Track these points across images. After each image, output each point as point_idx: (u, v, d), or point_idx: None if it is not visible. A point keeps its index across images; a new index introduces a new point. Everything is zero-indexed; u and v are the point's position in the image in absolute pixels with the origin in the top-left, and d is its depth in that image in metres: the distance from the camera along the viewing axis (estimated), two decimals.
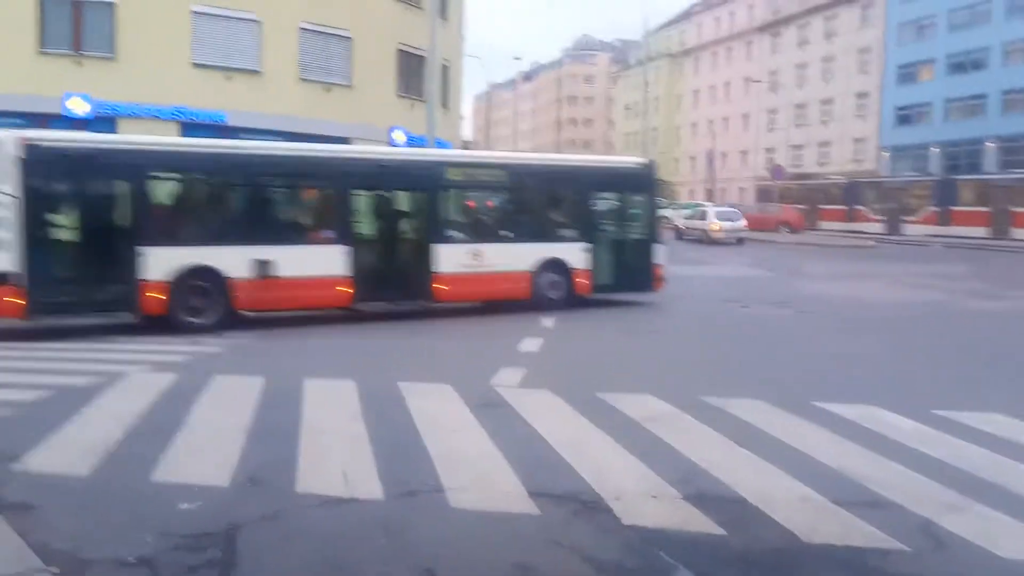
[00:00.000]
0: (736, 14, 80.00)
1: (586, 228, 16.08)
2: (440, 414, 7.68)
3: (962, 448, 6.75)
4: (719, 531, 5.07)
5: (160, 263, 12.60)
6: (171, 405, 7.88)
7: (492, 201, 16.54)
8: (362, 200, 14.77)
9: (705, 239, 38.25)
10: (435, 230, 14.76)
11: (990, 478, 6.01)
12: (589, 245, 15.92)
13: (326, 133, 27.39)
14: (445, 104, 34.07)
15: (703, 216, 40.21)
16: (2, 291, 11.73)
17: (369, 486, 5.70)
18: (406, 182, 14.98)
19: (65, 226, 12.62)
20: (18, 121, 20.15)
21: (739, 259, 30.11)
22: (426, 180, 14.83)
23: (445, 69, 33.48)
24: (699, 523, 5.18)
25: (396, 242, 15.03)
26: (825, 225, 48.43)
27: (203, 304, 12.95)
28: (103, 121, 24.05)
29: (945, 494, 5.66)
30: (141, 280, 12.51)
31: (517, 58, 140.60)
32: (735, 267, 26.76)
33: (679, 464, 6.27)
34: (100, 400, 8.10)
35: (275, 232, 13.81)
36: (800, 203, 50.39)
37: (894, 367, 10.84)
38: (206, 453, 6.41)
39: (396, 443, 6.73)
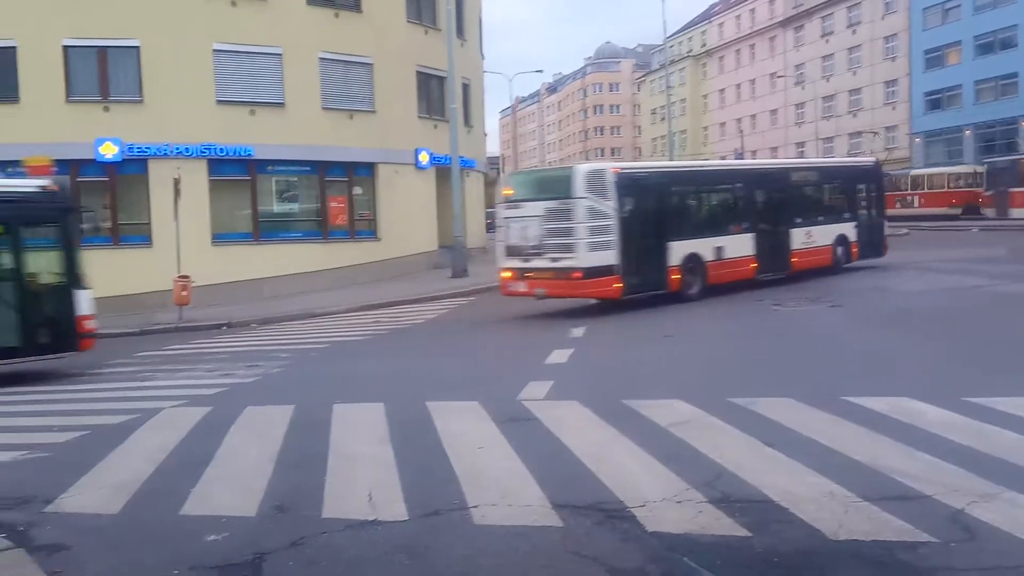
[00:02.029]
0: (757, 11, 79.52)
1: (853, 212, 22.07)
2: (467, 432, 7.71)
3: (993, 435, 6.61)
4: (744, 533, 5.02)
5: (675, 252, 17.30)
6: (202, 438, 8.01)
7: (811, 195, 22.18)
8: (758, 199, 19.95)
9: None
10: (790, 219, 20.08)
11: (1022, 463, 5.89)
12: (856, 224, 21.79)
13: (351, 159, 27.76)
14: (468, 122, 34.24)
15: None
16: (611, 279, 16.16)
17: (394, 508, 5.73)
18: (779, 186, 20.66)
19: (638, 228, 16.88)
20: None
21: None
22: (783, 183, 20.95)
23: (465, 87, 33.65)
24: (724, 526, 5.13)
25: (776, 230, 19.72)
26: None
27: (692, 280, 17.55)
28: (133, 162, 24.54)
29: (975, 483, 5.55)
30: (669, 265, 17.15)
31: (539, 70, 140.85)
32: None
33: (704, 467, 6.22)
34: (133, 437, 8.25)
35: (722, 227, 18.85)
36: None
37: (925, 357, 10.66)
38: (234, 484, 6.50)
39: (422, 463, 6.77)
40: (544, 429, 7.67)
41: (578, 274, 15.79)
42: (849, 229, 21.58)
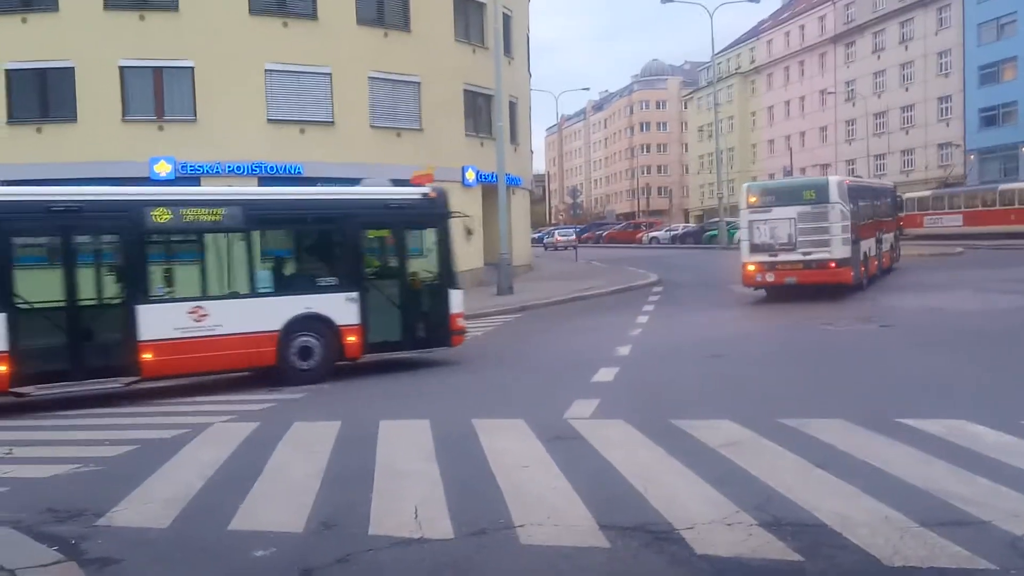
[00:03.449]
0: (807, 27, 78.84)
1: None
2: (513, 450, 7.67)
3: None
4: (796, 557, 4.91)
5: (861, 249, 21.72)
6: (251, 453, 8.08)
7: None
8: None
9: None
10: None
11: None
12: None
13: (399, 177, 27.88)
14: (514, 140, 34.35)
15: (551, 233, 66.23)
16: (848, 269, 20.16)
17: (440, 526, 5.71)
18: None
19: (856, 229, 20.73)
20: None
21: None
22: None
23: (512, 106, 33.80)
24: (775, 550, 5.03)
25: None
26: None
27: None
28: (187, 180, 25.00)
29: None
30: (860, 259, 21.32)
31: (586, 88, 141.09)
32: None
33: (755, 490, 6.12)
34: (183, 452, 8.35)
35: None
36: None
37: (983, 379, 10.40)
38: (282, 500, 6.53)
39: (468, 481, 6.75)
40: (590, 448, 7.61)
41: (833, 264, 20.00)
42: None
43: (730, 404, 9.33)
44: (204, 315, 12.21)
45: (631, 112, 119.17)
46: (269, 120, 26.41)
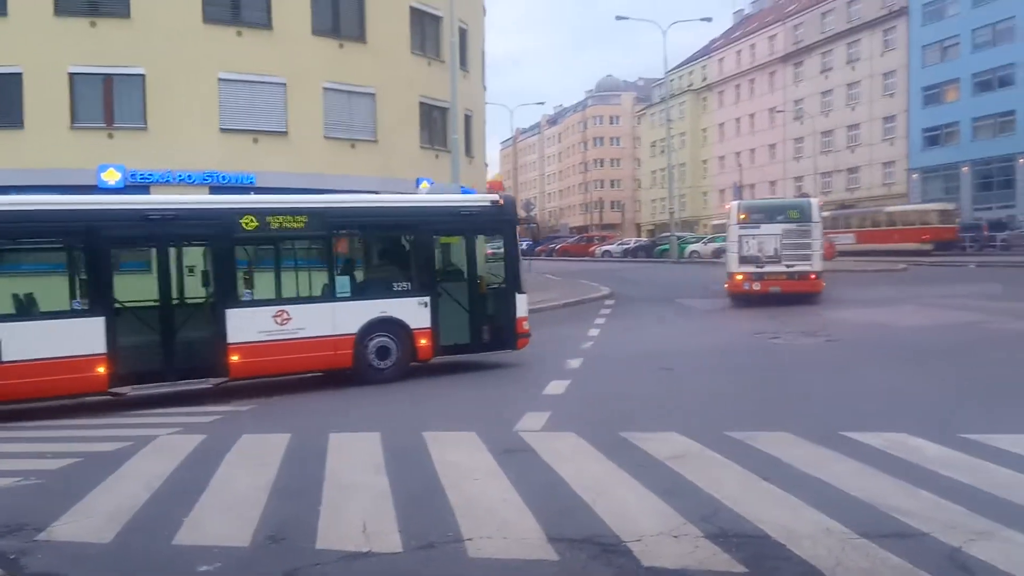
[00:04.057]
0: (757, 47, 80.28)
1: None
2: (463, 463, 7.67)
3: (991, 472, 6.61)
4: (740, 569, 4.99)
5: None
6: (197, 466, 7.96)
7: None
8: None
9: None
10: None
11: (1019, 501, 5.89)
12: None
13: (353, 188, 27.80)
14: (469, 153, 34.40)
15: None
16: (821, 280, 23.13)
17: (388, 539, 5.69)
18: None
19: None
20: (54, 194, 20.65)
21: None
22: None
23: (468, 118, 33.85)
24: (720, 562, 5.10)
25: None
26: None
27: None
28: (136, 189, 24.61)
29: (973, 520, 5.53)
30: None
31: (540, 102, 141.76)
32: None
33: (702, 502, 6.19)
34: (128, 465, 8.20)
35: None
36: None
37: (924, 393, 10.65)
38: (228, 513, 6.45)
39: (418, 494, 6.73)
40: (541, 461, 7.63)
41: (813, 276, 22.89)
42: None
43: (679, 417, 9.43)
44: (287, 318, 12.70)
45: (585, 127, 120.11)
46: (222, 129, 26.13)
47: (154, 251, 12.44)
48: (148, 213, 12.32)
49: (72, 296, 11.93)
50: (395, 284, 13.78)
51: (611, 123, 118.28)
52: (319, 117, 27.83)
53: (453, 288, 14.11)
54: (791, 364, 13.63)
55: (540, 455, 7.84)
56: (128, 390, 12.02)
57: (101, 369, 11.55)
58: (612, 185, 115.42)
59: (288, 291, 13.02)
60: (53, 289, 12.15)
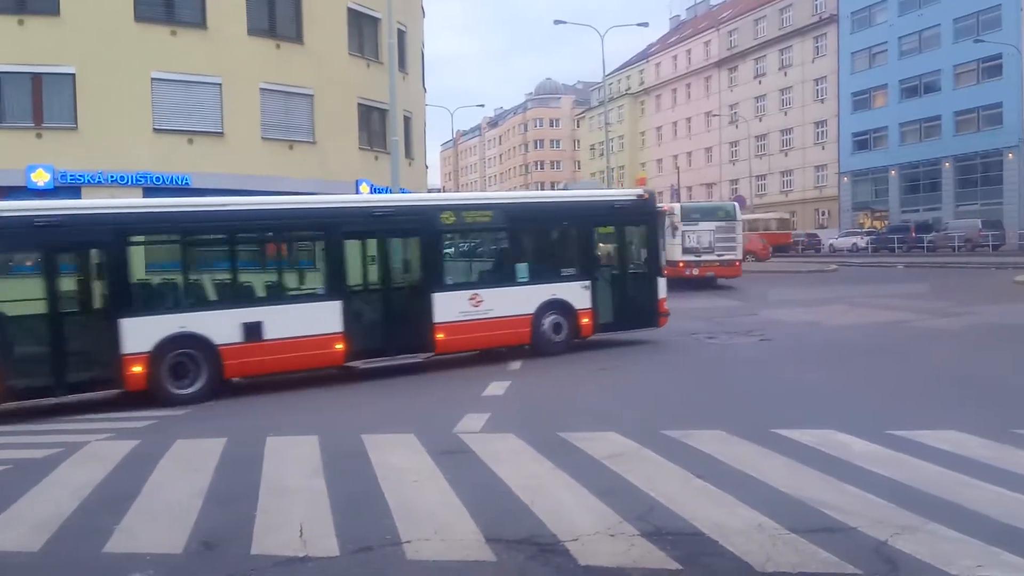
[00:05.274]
0: (693, 52, 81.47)
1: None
2: (402, 465, 7.65)
3: (916, 467, 6.81)
4: (675, 566, 5.07)
5: None
6: (129, 473, 7.81)
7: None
8: None
9: None
10: None
11: (943, 496, 6.07)
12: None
13: (291, 190, 27.49)
14: (409, 154, 34.27)
15: None
16: (740, 266, 29.98)
17: (325, 543, 5.66)
18: None
19: None
20: None
21: (710, 290, 30.25)
22: None
23: (407, 120, 33.74)
24: (655, 559, 5.18)
25: None
26: None
27: None
28: (66, 190, 24.02)
29: (899, 515, 5.71)
30: None
31: (481, 105, 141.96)
32: (707, 298, 26.88)
33: (637, 500, 6.28)
34: (57, 472, 8.01)
35: None
36: None
37: (852, 390, 10.93)
38: (161, 520, 6.34)
39: (356, 497, 6.70)
40: (479, 462, 7.66)
41: (737, 263, 29.79)
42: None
43: (616, 416, 9.53)
44: (480, 301, 14.49)
45: (525, 129, 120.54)
46: (155, 130, 25.65)
47: (376, 243, 14.11)
48: (373, 210, 14.30)
49: (316, 283, 13.89)
50: (562, 270, 15.44)
51: (551, 126, 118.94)
52: (256, 118, 27.49)
53: (607, 273, 16.08)
54: (726, 363, 13.88)
55: (479, 456, 7.86)
56: (359, 364, 13.55)
57: (339, 346, 13.19)
58: (553, 187, 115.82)
59: (479, 277, 15.16)
60: (300, 277, 14.26)
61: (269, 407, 11.87)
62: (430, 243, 14.25)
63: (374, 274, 14.22)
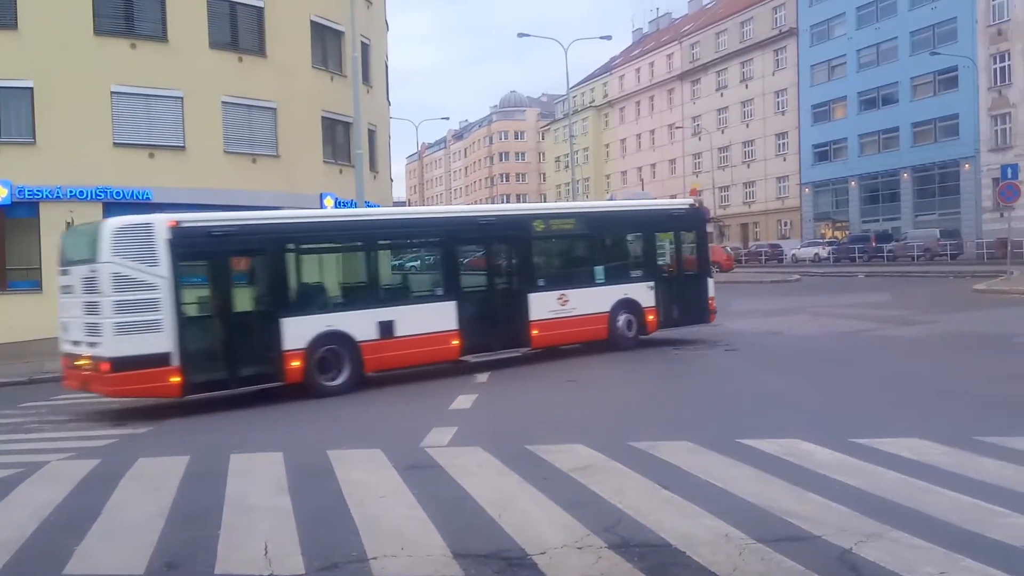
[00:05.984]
0: (656, 64, 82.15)
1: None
2: (368, 481, 7.60)
3: (879, 475, 6.89)
4: None
5: None
6: (90, 493, 7.68)
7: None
8: None
9: None
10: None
11: (906, 503, 6.14)
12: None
13: (254, 204, 27.26)
14: (374, 167, 34.13)
15: None
16: None
17: (290, 562, 5.59)
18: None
19: None
20: None
21: None
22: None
23: (372, 133, 33.61)
24: (623, 571, 5.19)
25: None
26: None
27: None
28: (24, 206, 23.63)
29: (862, 522, 5.76)
30: None
31: (445, 117, 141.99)
32: None
33: (605, 512, 6.28)
34: (15, 493, 7.86)
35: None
36: None
37: (816, 400, 11.05)
38: (123, 540, 6.24)
39: (322, 514, 6.64)
40: (447, 476, 7.63)
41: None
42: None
43: (583, 428, 9.54)
44: (566, 300, 16.05)
45: (491, 142, 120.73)
46: (115, 144, 25.26)
47: (482, 250, 16.09)
48: (479, 219, 16.30)
49: (435, 284, 15.64)
50: (632, 272, 17.26)
51: (516, 138, 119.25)
52: (219, 131, 27.19)
53: (667, 274, 17.69)
54: (692, 374, 13.97)
55: (446, 470, 7.83)
56: (470, 358, 15.33)
57: (455, 342, 14.61)
58: (518, 199, 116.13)
59: (565, 279, 16.54)
60: (422, 279, 16.39)
61: (233, 423, 11.74)
62: (525, 248, 15.95)
63: (481, 277, 16.06)
